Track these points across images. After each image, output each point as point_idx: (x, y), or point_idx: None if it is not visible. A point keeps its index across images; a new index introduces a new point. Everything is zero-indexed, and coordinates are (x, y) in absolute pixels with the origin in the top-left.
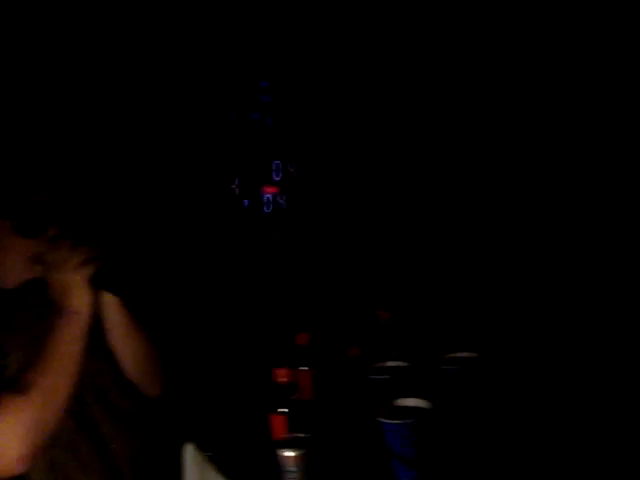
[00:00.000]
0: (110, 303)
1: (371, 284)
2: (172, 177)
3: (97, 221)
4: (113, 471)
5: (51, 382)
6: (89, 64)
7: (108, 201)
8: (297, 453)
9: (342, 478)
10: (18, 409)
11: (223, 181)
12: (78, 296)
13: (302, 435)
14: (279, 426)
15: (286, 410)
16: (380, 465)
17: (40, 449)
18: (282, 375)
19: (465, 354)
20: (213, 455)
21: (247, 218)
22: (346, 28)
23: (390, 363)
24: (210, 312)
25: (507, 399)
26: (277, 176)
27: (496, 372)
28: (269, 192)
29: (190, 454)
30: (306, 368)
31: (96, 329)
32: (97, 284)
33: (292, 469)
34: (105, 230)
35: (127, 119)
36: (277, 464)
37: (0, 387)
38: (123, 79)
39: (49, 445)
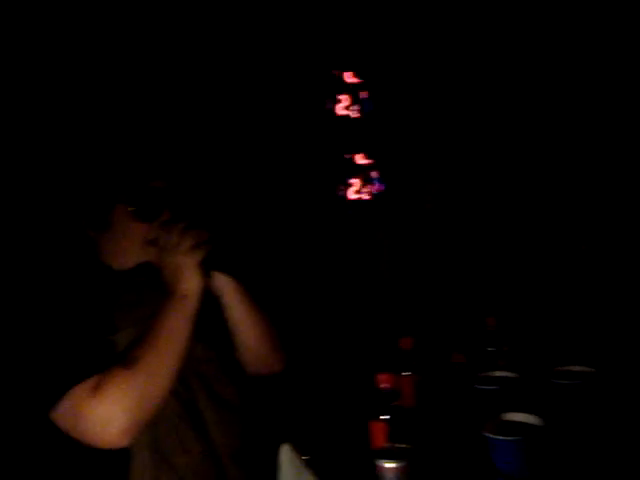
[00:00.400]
0: (227, 284)
1: (480, 289)
2: (278, 168)
3: (208, 206)
4: (213, 458)
5: (157, 361)
6: (207, 59)
7: (218, 188)
8: (397, 464)
9: None
10: (124, 384)
11: (329, 178)
12: (188, 279)
13: (403, 445)
14: (379, 434)
15: (387, 417)
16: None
17: (143, 425)
18: (385, 381)
19: (579, 368)
20: (310, 459)
21: (353, 216)
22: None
23: (497, 373)
24: (313, 311)
25: (626, 420)
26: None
27: (615, 390)
28: (376, 190)
29: (287, 455)
30: (409, 373)
31: (204, 315)
32: (209, 266)
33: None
34: (215, 215)
35: (239, 111)
36: (375, 474)
37: (109, 362)
38: (236, 71)
39: (153, 423)
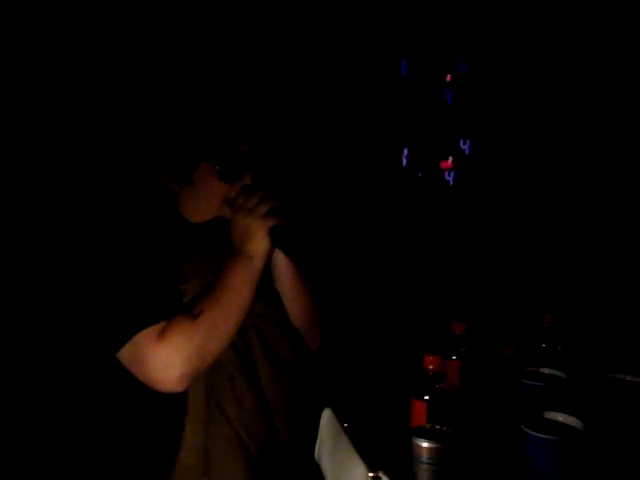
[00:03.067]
0: (279, 253)
1: (541, 283)
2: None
3: (286, 180)
4: (265, 413)
5: (219, 315)
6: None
7: (296, 164)
8: (434, 445)
9: None
10: (187, 332)
11: (393, 152)
12: (256, 241)
13: (441, 427)
14: (419, 413)
15: (429, 398)
16: (516, 476)
17: (200, 373)
18: (432, 362)
19: (631, 377)
20: (349, 427)
21: (418, 191)
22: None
23: (545, 370)
24: (369, 286)
25: None
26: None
27: None
28: (444, 167)
29: (327, 419)
30: (455, 358)
31: (266, 275)
32: (273, 237)
33: (425, 460)
34: (291, 190)
35: (312, 88)
36: (410, 451)
37: (176, 310)
38: (305, 48)
39: (210, 371)
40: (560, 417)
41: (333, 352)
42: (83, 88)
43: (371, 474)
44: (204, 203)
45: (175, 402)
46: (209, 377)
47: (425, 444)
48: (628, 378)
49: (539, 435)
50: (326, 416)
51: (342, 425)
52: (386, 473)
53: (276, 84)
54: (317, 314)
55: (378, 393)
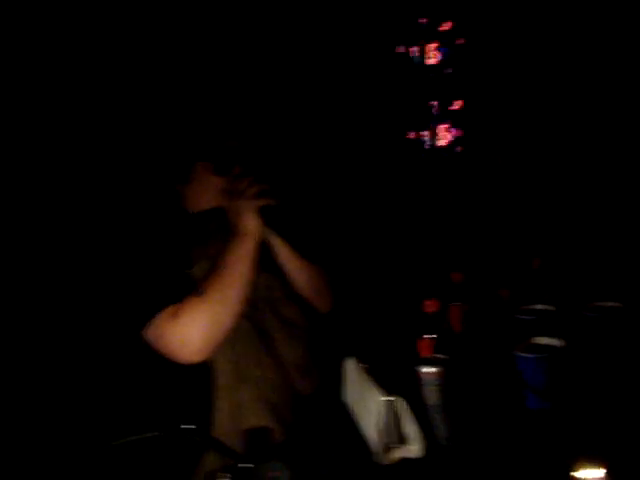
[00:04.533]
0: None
1: (529, 229)
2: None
3: (274, 164)
4: (283, 371)
5: (223, 290)
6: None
7: (284, 146)
8: (436, 370)
9: (476, 399)
10: (197, 310)
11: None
12: (247, 220)
13: (443, 356)
14: (424, 348)
15: (432, 336)
16: (513, 393)
17: (217, 345)
18: (431, 305)
19: (611, 304)
20: (369, 367)
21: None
22: None
23: (537, 306)
24: (373, 242)
25: None
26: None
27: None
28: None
29: (351, 365)
30: (458, 303)
31: (268, 251)
32: (263, 216)
33: (431, 384)
34: (279, 172)
35: (309, 63)
36: (418, 378)
37: (186, 292)
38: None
39: (232, 342)
40: (545, 340)
41: (345, 309)
42: (87, 92)
43: (386, 398)
44: (203, 196)
45: (203, 373)
46: (233, 347)
47: (427, 370)
48: (608, 304)
49: (527, 355)
50: (349, 363)
51: (362, 366)
52: (399, 396)
53: (264, 70)
54: (320, 282)
55: (388, 337)
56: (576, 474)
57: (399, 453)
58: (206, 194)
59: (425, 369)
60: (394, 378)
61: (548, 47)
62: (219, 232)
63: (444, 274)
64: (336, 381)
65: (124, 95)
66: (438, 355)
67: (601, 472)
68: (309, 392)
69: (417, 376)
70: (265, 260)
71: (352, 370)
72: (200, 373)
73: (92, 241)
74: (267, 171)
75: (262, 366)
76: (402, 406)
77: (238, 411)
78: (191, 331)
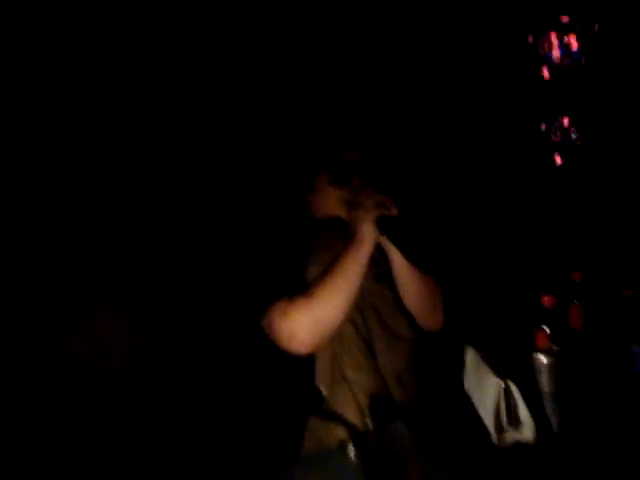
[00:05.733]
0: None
1: None
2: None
3: (393, 175)
4: (378, 378)
5: (330, 293)
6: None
7: (403, 157)
8: (551, 359)
9: (590, 390)
10: (304, 307)
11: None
12: (363, 230)
13: (559, 347)
14: (542, 339)
15: (547, 328)
16: (626, 388)
17: (322, 341)
18: (549, 300)
19: None
20: (486, 355)
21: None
22: None
23: None
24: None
25: None
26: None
27: None
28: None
29: (470, 353)
30: (578, 302)
31: (386, 262)
32: (382, 225)
33: (546, 372)
34: (398, 186)
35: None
36: (535, 367)
37: (299, 290)
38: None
39: (334, 342)
40: None
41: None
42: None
43: (501, 382)
44: (325, 205)
45: (306, 368)
46: (333, 346)
47: (541, 358)
48: None
49: None
50: (468, 352)
51: (481, 355)
52: (514, 382)
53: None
54: (433, 294)
55: (507, 328)
56: None
57: (512, 436)
58: (328, 203)
59: (540, 356)
60: (511, 366)
61: None
62: (339, 239)
63: (565, 273)
64: (458, 371)
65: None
66: (554, 346)
67: None
68: (405, 402)
69: (533, 364)
70: (381, 271)
71: (471, 358)
72: (303, 368)
73: (227, 241)
74: (386, 182)
75: (357, 369)
76: (517, 392)
77: (330, 408)
78: (296, 327)
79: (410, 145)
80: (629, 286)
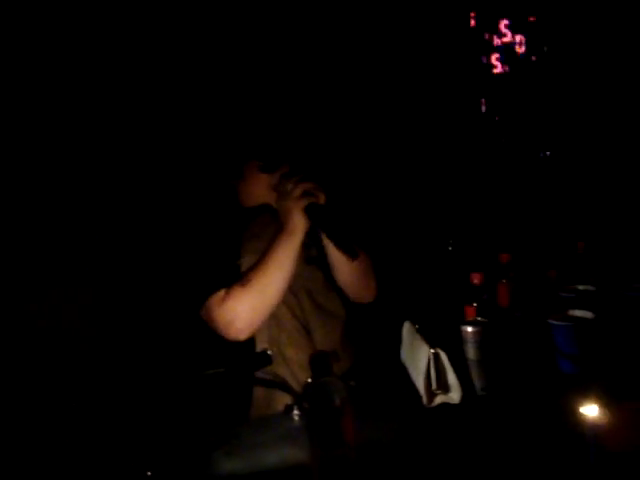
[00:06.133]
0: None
1: (573, 215)
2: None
3: (320, 164)
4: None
5: (265, 281)
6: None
7: (330, 145)
8: (476, 329)
9: (511, 357)
10: (239, 297)
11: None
12: (293, 219)
13: (484, 319)
14: (470, 313)
15: (476, 304)
16: (545, 358)
17: (257, 326)
18: (476, 277)
19: None
20: (420, 328)
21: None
22: None
23: (579, 286)
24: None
25: None
26: None
27: None
28: None
29: (406, 327)
30: (504, 281)
31: (316, 244)
32: (309, 214)
33: (471, 341)
34: (326, 173)
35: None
36: (462, 336)
37: (234, 280)
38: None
39: (271, 324)
40: (579, 312)
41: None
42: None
43: (432, 350)
44: (254, 192)
45: (246, 350)
46: (271, 329)
47: (468, 328)
48: None
49: (559, 323)
50: (405, 326)
51: (415, 327)
52: (444, 351)
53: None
54: (365, 277)
55: (439, 303)
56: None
57: (441, 399)
58: (257, 191)
59: (467, 327)
60: (441, 336)
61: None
62: (270, 226)
63: (494, 254)
64: (396, 343)
65: (187, 96)
66: (479, 318)
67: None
68: (338, 375)
69: (460, 334)
70: (311, 254)
71: (408, 331)
72: (243, 351)
73: (156, 233)
74: (314, 169)
75: (295, 346)
76: (446, 359)
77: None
78: (233, 315)
79: (338, 130)
80: (553, 267)
